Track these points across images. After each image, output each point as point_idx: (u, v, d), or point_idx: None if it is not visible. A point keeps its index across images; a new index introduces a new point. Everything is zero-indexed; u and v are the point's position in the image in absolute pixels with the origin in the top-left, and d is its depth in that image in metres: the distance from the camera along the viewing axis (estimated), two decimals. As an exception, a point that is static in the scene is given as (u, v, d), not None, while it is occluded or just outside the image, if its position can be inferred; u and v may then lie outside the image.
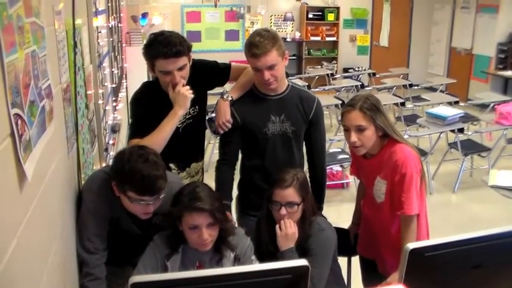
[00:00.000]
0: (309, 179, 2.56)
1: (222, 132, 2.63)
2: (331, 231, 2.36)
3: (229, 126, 2.60)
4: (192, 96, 2.45)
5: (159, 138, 2.39)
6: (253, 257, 2.21)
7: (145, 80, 4.71)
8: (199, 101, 2.67)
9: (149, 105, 2.54)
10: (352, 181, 5.73)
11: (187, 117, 2.65)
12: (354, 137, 2.29)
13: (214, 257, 2.17)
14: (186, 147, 2.66)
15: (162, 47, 2.38)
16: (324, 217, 2.41)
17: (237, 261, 2.18)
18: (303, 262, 1.45)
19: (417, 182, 2.30)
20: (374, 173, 2.43)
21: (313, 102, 2.68)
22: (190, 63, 2.53)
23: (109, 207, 2.16)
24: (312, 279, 1.51)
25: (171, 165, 2.70)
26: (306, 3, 11.19)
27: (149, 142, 2.32)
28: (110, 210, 2.17)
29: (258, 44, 2.41)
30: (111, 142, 3.79)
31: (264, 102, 2.62)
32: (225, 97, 2.63)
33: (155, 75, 2.54)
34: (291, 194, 2.27)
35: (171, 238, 2.14)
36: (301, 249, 2.29)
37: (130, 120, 2.67)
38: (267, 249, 2.34)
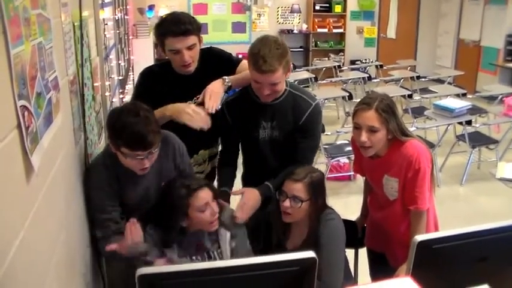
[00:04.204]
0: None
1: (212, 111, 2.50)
2: (338, 221, 2.35)
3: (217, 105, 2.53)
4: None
5: None
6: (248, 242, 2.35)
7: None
8: None
9: (156, 82, 2.59)
10: (359, 173, 5.71)
11: (196, 102, 2.65)
12: (364, 137, 2.25)
13: (212, 236, 2.25)
14: (194, 132, 2.65)
15: (171, 25, 2.42)
16: (332, 208, 2.40)
17: (233, 238, 2.28)
18: (310, 254, 1.45)
19: (429, 176, 2.30)
20: (381, 172, 2.40)
21: (307, 109, 2.51)
22: (201, 45, 2.56)
23: (116, 178, 2.17)
24: (319, 270, 1.50)
25: None
26: (313, -5, 11.14)
27: None
28: (116, 182, 2.19)
29: (266, 59, 2.25)
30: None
31: (257, 108, 2.54)
32: (222, 78, 2.57)
33: (166, 55, 2.56)
34: (298, 188, 2.25)
35: (165, 234, 2.20)
36: (311, 242, 2.28)
37: (132, 94, 2.69)
38: (278, 240, 2.37)
